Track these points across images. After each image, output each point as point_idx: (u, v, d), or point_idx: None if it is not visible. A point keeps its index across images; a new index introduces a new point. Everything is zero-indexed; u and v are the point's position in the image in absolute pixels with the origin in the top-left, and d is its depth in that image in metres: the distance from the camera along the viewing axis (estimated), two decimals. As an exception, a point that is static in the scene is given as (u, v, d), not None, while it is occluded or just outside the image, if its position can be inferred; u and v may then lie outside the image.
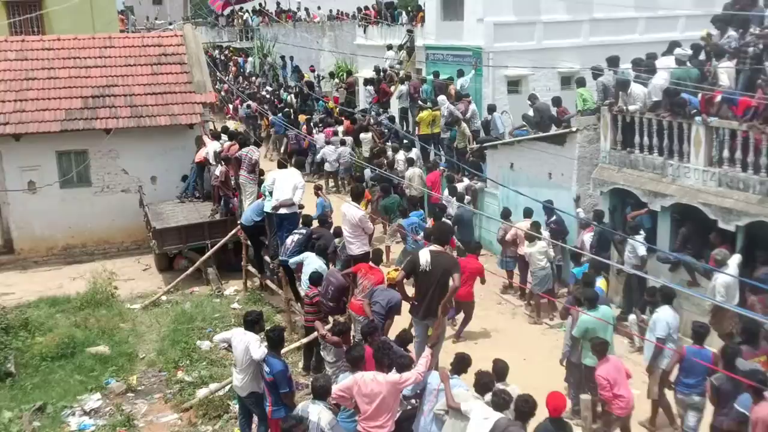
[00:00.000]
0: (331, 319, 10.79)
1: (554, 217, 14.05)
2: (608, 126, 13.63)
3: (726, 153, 11.61)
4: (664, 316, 9.73)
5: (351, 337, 10.49)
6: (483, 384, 7.68)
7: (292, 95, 29.73)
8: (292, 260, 11.94)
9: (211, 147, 16.53)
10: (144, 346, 13.01)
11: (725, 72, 12.19)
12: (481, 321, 13.29)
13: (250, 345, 8.85)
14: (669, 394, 9.85)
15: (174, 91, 18.58)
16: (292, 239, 12.27)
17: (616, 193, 13.75)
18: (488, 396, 7.58)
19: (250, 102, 29.22)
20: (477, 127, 18.73)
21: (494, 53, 19.98)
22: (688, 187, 12.18)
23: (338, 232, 12.39)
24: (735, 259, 10.92)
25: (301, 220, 12.91)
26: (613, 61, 14.15)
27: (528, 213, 14.13)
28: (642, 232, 12.59)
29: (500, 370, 8.31)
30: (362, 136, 21.93)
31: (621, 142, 13.56)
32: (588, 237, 13.27)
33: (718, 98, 11.71)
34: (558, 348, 12.34)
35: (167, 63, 19.22)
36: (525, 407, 7.10)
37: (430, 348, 8.44)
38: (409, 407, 8.39)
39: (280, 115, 26.05)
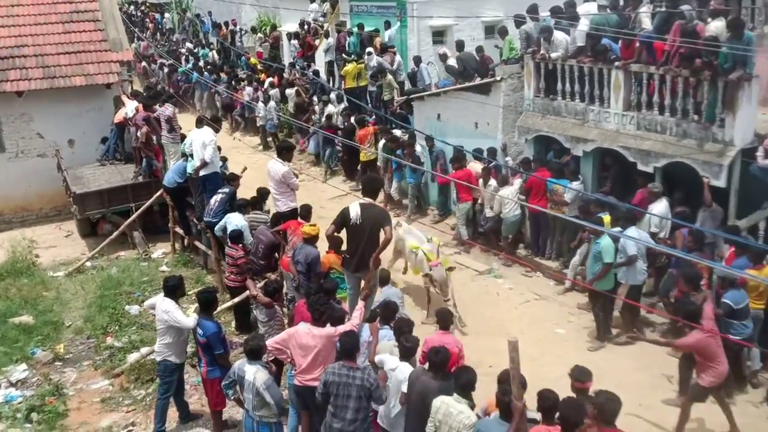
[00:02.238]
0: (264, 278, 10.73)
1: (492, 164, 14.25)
2: (531, 74, 13.75)
3: (644, 97, 11.89)
4: (632, 238, 10.17)
5: (283, 295, 10.46)
6: (398, 329, 7.78)
7: (214, 52, 28.97)
8: (216, 228, 11.79)
9: (131, 107, 15.99)
10: (70, 313, 12.68)
11: (648, 17, 12.40)
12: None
13: (170, 313, 8.73)
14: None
15: (89, 50, 17.81)
16: (215, 199, 12.08)
17: (540, 140, 13.97)
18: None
19: (163, 60, 28.43)
20: (403, 78, 18.67)
21: (418, 4, 19.80)
22: (608, 131, 12.46)
23: (263, 192, 12.22)
24: (664, 200, 11.28)
25: (225, 179, 12.71)
26: (533, 9, 14.21)
27: (478, 157, 14.24)
28: (580, 176, 12.88)
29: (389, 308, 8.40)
30: (288, 91, 21.58)
31: (544, 90, 13.71)
32: (517, 183, 13.45)
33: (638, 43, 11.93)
34: (487, 294, 12.68)
35: (80, 20, 18.38)
36: (435, 358, 7.08)
37: (363, 300, 8.48)
38: None
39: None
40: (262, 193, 12.06)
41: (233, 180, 12.63)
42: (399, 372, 7.35)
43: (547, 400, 6.39)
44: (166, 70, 28.44)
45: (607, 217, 11.16)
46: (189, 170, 12.92)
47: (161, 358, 9.01)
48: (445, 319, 8.39)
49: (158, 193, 14.70)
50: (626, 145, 12.06)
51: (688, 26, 11.17)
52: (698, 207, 11.02)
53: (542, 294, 12.50)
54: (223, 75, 25.69)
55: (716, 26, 10.97)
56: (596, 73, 12.54)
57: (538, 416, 6.49)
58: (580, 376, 6.89)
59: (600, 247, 10.48)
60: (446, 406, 6.56)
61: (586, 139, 12.77)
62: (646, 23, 12.35)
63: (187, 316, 8.77)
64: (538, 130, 13.79)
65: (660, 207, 11.04)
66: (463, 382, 6.67)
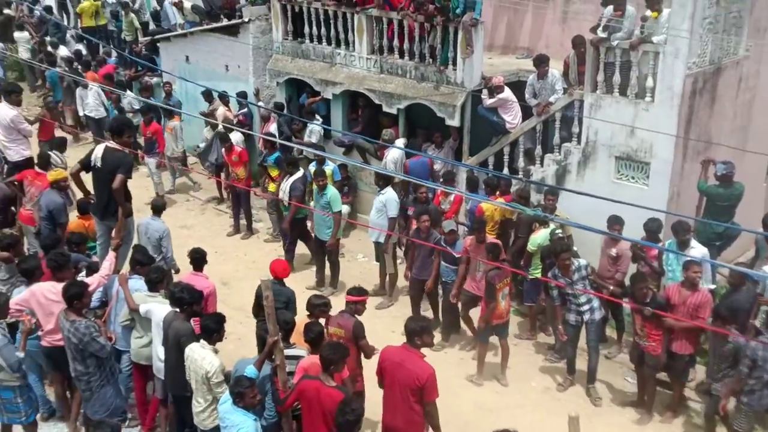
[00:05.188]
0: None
1: (244, 110, 14.15)
2: (279, 16, 13.78)
3: (385, 41, 12.49)
4: (393, 196, 10.50)
5: (25, 250, 9.72)
6: (151, 280, 7.60)
7: None
8: None
9: None
10: None
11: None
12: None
13: None
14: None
15: None
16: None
17: (291, 83, 14.15)
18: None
19: None
20: (146, 18, 17.74)
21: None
22: (355, 74, 12.96)
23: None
24: (401, 140, 12.06)
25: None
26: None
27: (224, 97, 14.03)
28: (318, 117, 13.24)
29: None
30: (17, 35, 19.40)
31: (292, 32, 13.84)
32: (274, 128, 13.55)
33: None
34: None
35: None
36: (179, 295, 7.07)
37: (114, 251, 8.18)
38: None
39: None
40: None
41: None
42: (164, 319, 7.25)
43: (310, 332, 6.77)
44: None
45: (327, 170, 11.53)
46: None
47: None
48: (196, 259, 8.32)
49: None
50: (372, 87, 12.63)
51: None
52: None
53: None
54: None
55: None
56: (341, 17, 12.89)
57: (303, 352, 6.82)
58: (352, 291, 7.40)
59: (328, 197, 10.68)
60: (192, 352, 6.61)
61: (334, 82, 13.16)
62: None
63: None
64: (288, 72, 13.93)
65: (399, 142, 11.81)
66: (203, 328, 6.69)
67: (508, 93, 11.12)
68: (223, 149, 12.74)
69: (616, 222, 8.70)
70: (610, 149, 10.03)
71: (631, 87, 9.78)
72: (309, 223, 11.41)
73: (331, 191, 10.80)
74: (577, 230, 8.87)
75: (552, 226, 9.23)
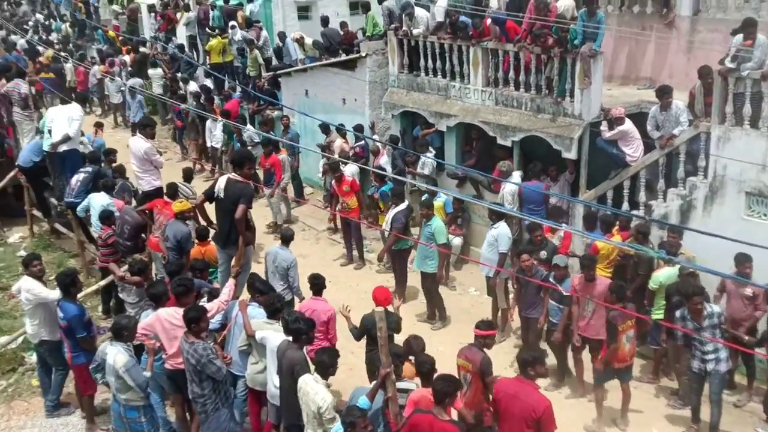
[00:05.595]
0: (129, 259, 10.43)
1: (362, 142, 14.40)
2: (395, 50, 14.03)
3: (500, 73, 12.43)
4: (505, 231, 10.31)
5: (153, 276, 10.24)
6: (274, 308, 7.73)
7: (67, 24, 27.41)
8: (78, 209, 11.32)
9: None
10: None
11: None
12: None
13: (33, 290, 8.54)
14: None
15: None
16: (77, 178, 11.58)
17: (406, 116, 14.32)
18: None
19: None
20: (269, 54, 18.50)
21: (282, -22, 19.67)
22: (469, 107, 12.95)
23: (120, 170, 11.91)
24: (517, 173, 11.93)
25: (88, 158, 12.22)
26: (397, -14, 14.45)
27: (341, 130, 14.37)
28: (431, 149, 13.31)
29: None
30: (152, 72, 20.76)
31: (408, 66, 14.04)
32: (384, 160, 13.74)
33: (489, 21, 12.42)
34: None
35: None
36: (294, 325, 7.13)
37: (234, 278, 8.47)
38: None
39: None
40: None
41: (97, 160, 12.15)
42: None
43: (424, 365, 6.72)
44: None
45: (438, 202, 11.86)
46: (45, 147, 12.32)
47: (39, 339, 8.80)
48: (316, 285, 8.51)
49: (12, 174, 13.86)
50: (486, 120, 12.59)
51: (541, 4, 11.70)
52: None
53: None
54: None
55: (564, 4, 11.61)
56: (456, 50, 12.96)
57: (413, 385, 6.81)
58: (481, 325, 7.23)
59: (432, 228, 10.67)
60: (305, 385, 6.66)
61: (449, 114, 13.21)
62: (493, 2, 12.88)
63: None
64: (403, 105, 14.12)
65: (516, 175, 11.72)
66: (318, 363, 6.74)
67: (629, 125, 10.78)
68: (333, 180, 12.99)
69: (746, 260, 8.21)
70: (740, 184, 9.50)
71: (762, 119, 9.27)
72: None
73: (436, 223, 10.80)
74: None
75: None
